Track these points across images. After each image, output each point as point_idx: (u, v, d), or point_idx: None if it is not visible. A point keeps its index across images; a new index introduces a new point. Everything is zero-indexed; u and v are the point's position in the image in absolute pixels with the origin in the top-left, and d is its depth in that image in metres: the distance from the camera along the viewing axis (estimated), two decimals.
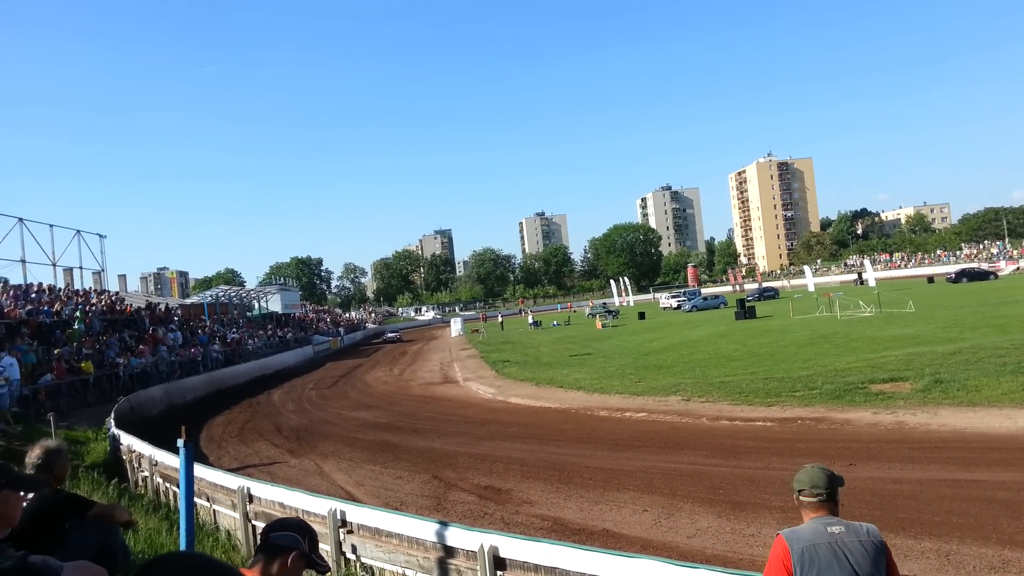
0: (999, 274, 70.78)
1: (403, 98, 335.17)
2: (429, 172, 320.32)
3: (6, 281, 30.29)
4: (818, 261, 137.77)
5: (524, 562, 5.24)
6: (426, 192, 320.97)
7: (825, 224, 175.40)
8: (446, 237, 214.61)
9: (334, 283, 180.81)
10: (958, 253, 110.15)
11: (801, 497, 3.41)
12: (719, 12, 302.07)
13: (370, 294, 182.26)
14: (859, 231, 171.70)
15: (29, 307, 27.18)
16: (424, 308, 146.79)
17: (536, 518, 10.01)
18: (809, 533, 3.27)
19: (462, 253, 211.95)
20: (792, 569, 3.20)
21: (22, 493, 3.10)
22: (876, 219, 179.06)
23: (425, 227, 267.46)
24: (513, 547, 5.35)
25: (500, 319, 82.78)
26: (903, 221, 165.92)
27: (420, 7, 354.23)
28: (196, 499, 7.91)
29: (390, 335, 76.00)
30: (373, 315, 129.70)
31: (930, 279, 73.49)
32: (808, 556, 3.19)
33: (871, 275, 65.54)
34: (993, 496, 8.83)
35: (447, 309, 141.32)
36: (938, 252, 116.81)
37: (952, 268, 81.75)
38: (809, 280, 70.63)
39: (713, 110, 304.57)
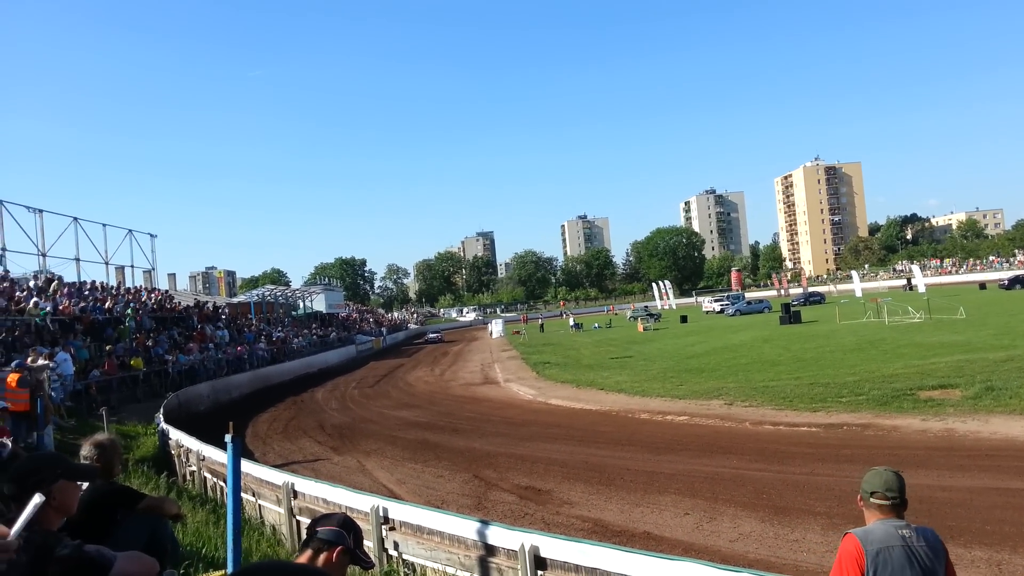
0: None
1: (448, 100, 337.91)
2: (472, 175, 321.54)
3: (61, 278, 31.12)
4: (866, 266, 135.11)
5: (565, 562, 5.24)
6: (469, 194, 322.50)
7: (873, 229, 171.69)
8: (488, 239, 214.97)
9: (377, 284, 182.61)
10: (1012, 259, 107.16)
11: (872, 499, 3.40)
12: (767, 16, 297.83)
13: (412, 295, 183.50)
14: (908, 236, 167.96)
15: (83, 304, 27.91)
16: (465, 309, 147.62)
17: (577, 519, 10.00)
18: (882, 535, 3.29)
19: (504, 255, 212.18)
20: (866, 569, 3.23)
21: (78, 483, 3.19)
22: (926, 224, 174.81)
23: (467, 229, 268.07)
24: (554, 547, 5.36)
25: (541, 321, 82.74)
26: (954, 227, 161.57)
27: (467, 10, 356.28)
28: (242, 494, 8.04)
29: (431, 336, 76.54)
30: (415, 316, 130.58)
31: (982, 285, 71.51)
32: (883, 559, 3.22)
33: (920, 281, 63.82)
34: None
35: (488, 310, 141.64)
36: (991, 258, 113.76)
37: (1005, 275, 79.59)
38: (856, 285, 69.06)
39: (759, 115, 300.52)
